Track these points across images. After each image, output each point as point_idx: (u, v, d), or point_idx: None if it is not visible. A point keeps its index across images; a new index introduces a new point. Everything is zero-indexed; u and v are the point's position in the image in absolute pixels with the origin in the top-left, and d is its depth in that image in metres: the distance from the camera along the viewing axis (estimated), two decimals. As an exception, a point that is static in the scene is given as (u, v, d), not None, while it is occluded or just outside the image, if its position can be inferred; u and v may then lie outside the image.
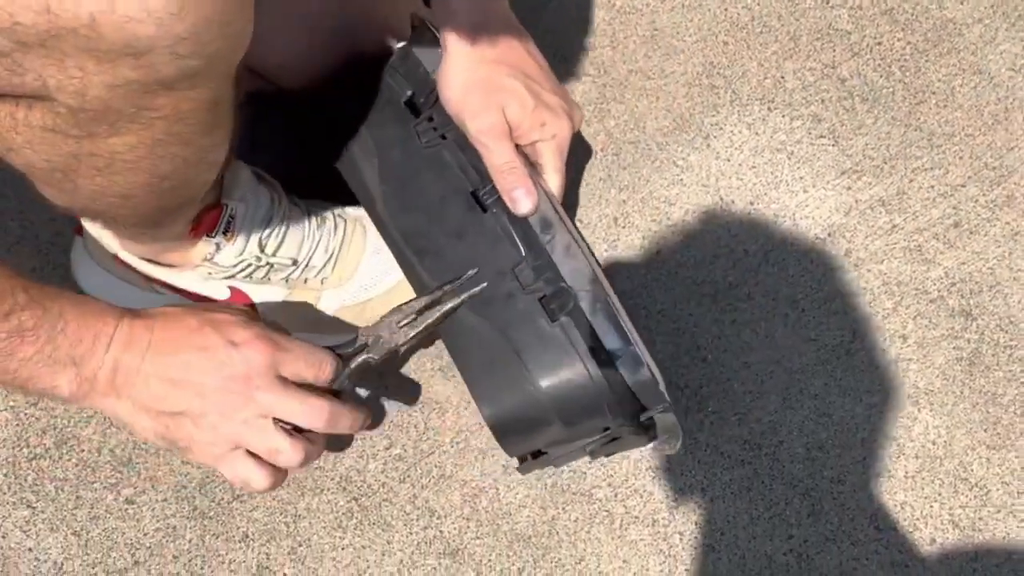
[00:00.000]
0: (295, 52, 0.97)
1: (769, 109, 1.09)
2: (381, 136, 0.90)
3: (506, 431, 0.81)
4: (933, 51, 1.12)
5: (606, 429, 0.84)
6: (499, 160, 0.82)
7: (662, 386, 0.81)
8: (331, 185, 0.99)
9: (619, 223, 1.05)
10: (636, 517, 0.97)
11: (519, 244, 0.82)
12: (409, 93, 0.90)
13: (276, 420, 0.74)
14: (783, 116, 1.09)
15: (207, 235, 0.88)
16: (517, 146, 0.84)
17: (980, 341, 1.02)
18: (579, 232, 0.84)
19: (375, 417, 1.00)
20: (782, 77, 1.10)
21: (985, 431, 1.00)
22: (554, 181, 0.87)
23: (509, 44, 0.85)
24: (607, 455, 0.90)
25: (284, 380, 0.74)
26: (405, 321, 0.81)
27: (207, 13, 0.53)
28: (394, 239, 0.87)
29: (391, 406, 1.01)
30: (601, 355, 0.79)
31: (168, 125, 0.60)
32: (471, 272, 0.82)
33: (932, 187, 1.06)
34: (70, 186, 0.63)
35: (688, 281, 1.04)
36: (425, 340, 0.85)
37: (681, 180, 1.07)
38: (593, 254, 0.82)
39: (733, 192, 1.06)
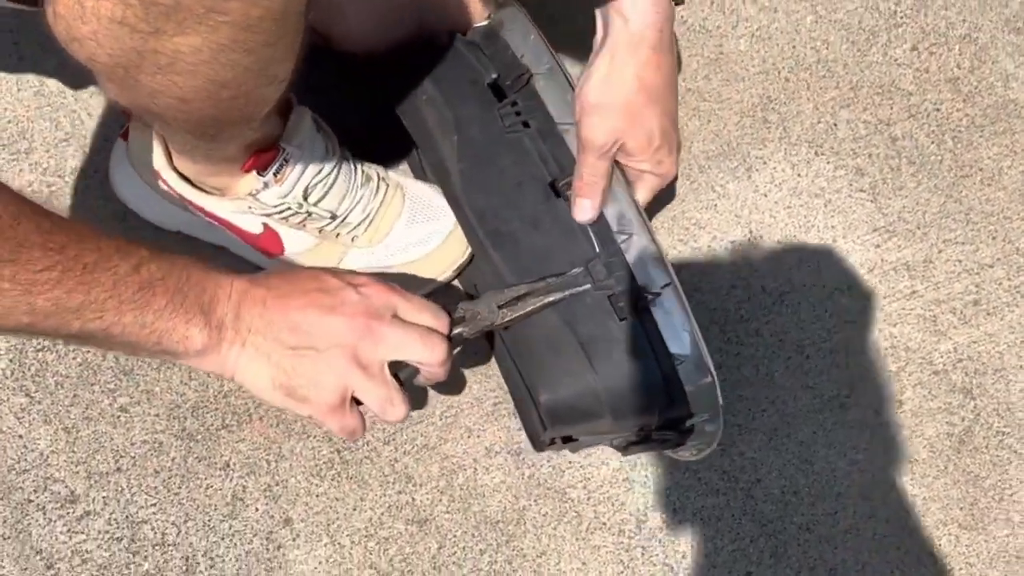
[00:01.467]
0: (362, 22, 0.98)
1: (816, 153, 1.10)
2: (462, 114, 0.90)
3: (558, 417, 0.83)
4: (990, 128, 1.12)
5: (642, 428, 0.86)
6: (587, 171, 0.84)
7: (719, 395, 0.82)
8: (378, 146, 1.00)
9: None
10: (604, 523, 0.99)
11: (593, 239, 0.83)
12: (494, 75, 0.91)
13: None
14: (828, 163, 1.09)
15: (259, 172, 0.90)
16: (617, 162, 0.86)
17: (974, 421, 1.02)
18: (656, 238, 0.85)
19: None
20: (835, 124, 1.10)
21: (961, 510, 1.01)
22: (641, 200, 0.88)
23: (663, 74, 0.85)
24: (629, 453, 0.93)
25: (403, 320, 0.75)
26: (504, 302, 0.83)
27: None
28: (467, 217, 0.89)
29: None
30: (664, 358, 0.80)
31: (234, 31, 0.61)
32: (577, 271, 0.83)
33: (960, 261, 1.07)
34: (131, 82, 0.64)
35: (701, 306, 1.05)
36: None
37: (715, 206, 1.08)
38: (668, 262, 0.82)
39: (763, 228, 1.07)
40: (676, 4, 0.86)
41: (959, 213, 1.08)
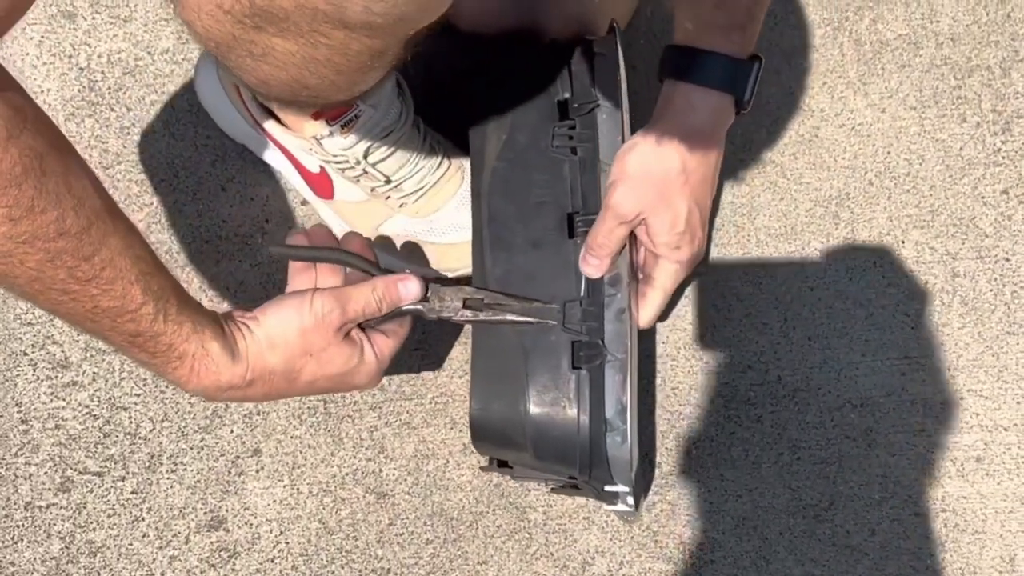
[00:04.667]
0: (477, 5, 0.98)
1: (875, 264, 1.08)
2: (519, 119, 0.91)
3: (482, 434, 0.86)
4: (1053, 293, 1.10)
5: (572, 477, 0.88)
6: (603, 234, 0.85)
7: (633, 471, 0.84)
8: (455, 121, 1.00)
9: (682, 291, 1.06)
10: (551, 553, 1.00)
11: (582, 284, 0.85)
12: (567, 96, 0.91)
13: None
14: (883, 277, 1.08)
15: (328, 121, 0.91)
16: (634, 237, 0.87)
17: (938, 574, 1.02)
18: (633, 307, 0.87)
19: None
20: (903, 241, 1.09)
21: (895, 652, 1.01)
22: (656, 299, 0.91)
23: (707, 166, 0.87)
24: (564, 495, 0.96)
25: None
26: (472, 302, 0.84)
27: None
28: (480, 215, 0.89)
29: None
30: (597, 419, 0.83)
31: (331, 53, 0.62)
32: (553, 306, 0.84)
33: (977, 415, 1.06)
34: (220, 53, 0.65)
35: (713, 376, 1.05)
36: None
37: (760, 284, 1.07)
38: (635, 335, 0.85)
39: (799, 320, 1.06)
40: (738, 112, 0.88)
41: (993, 368, 1.07)
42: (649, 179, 0.84)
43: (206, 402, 0.78)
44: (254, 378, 0.75)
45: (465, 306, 0.84)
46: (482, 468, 0.94)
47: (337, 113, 0.90)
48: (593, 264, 0.85)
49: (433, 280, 0.84)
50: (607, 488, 0.86)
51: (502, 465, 0.92)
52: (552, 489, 0.95)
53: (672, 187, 0.85)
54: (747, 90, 0.86)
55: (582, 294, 0.85)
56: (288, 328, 0.76)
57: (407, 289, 0.81)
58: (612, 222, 0.84)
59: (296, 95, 0.69)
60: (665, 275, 0.90)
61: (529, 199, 0.88)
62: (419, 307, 0.83)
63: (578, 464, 0.84)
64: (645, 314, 0.93)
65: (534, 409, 0.83)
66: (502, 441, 0.86)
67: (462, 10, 0.99)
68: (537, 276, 0.86)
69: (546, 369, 0.83)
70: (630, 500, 0.88)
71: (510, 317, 0.84)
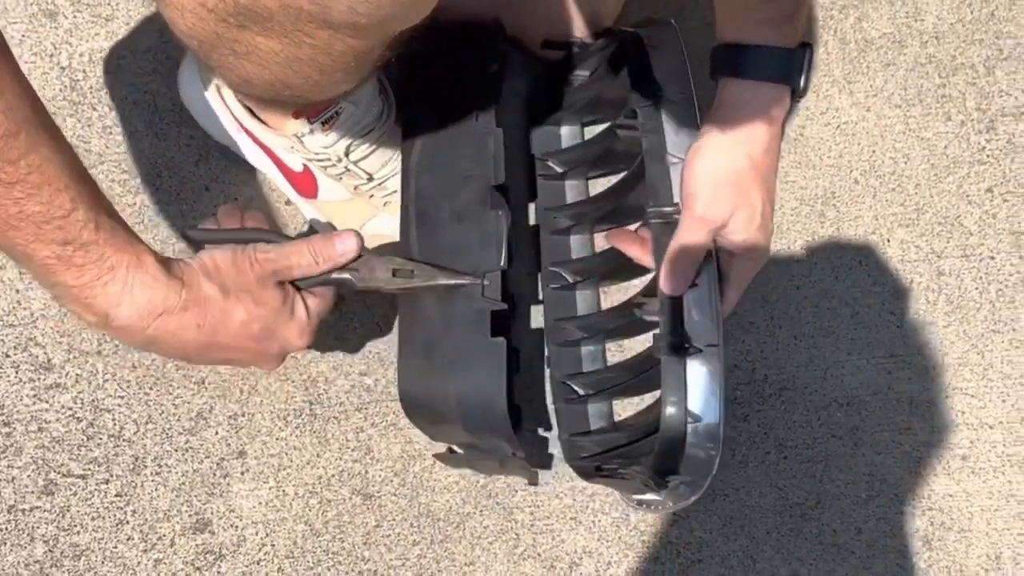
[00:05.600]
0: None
1: (860, 263, 1.09)
2: (449, 97, 0.91)
3: (412, 410, 0.88)
4: (1037, 291, 1.10)
5: (514, 453, 0.88)
6: (689, 242, 0.83)
7: (713, 472, 0.82)
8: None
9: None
10: (538, 554, 1.00)
11: (503, 254, 0.84)
12: (494, 68, 0.91)
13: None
14: (869, 276, 1.08)
15: (308, 119, 0.90)
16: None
17: (924, 572, 1.02)
18: (718, 298, 0.85)
19: (367, 339, 1.03)
20: (888, 240, 1.09)
21: (882, 650, 1.01)
22: (732, 297, 0.88)
23: (771, 158, 0.86)
24: (591, 480, 0.94)
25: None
26: (401, 272, 0.83)
27: None
28: (408, 192, 0.90)
29: (386, 340, 1.03)
30: (680, 408, 0.81)
31: (315, 53, 0.61)
32: (487, 281, 0.84)
33: (963, 413, 1.06)
34: (203, 52, 0.65)
35: (700, 376, 1.05)
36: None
37: (772, 293, 1.07)
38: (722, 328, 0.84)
39: (785, 319, 1.06)
40: (795, 100, 0.86)
41: (978, 366, 1.07)
42: (725, 181, 0.83)
43: (133, 344, 0.72)
44: (189, 301, 0.72)
45: (394, 276, 0.83)
46: (435, 456, 0.96)
47: (318, 111, 0.90)
48: (675, 281, 0.83)
49: (363, 250, 0.82)
50: (670, 479, 0.83)
51: (454, 454, 0.94)
52: (579, 468, 0.94)
53: (746, 185, 0.83)
54: (802, 79, 0.84)
55: (502, 264, 0.84)
56: (224, 261, 0.75)
57: (344, 244, 0.79)
58: (701, 230, 0.83)
59: (278, 94, 0.69)
60: (741, 272, 0.87)
61: (455, 174, 0.88)
62: (348, 276, 0.81)
63: (655, 454, 0.82)
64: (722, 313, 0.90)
65: (455, 382, 0.83)
66: (433, 416, 0.86)
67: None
68: (461, 251, 0.85)
69: (466, 341, 0.83)
70: (694, 495, 0.84)
71: (442, 281, 0.84)
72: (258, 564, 0.98)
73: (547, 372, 1.01)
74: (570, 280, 1.02)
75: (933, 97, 1.13)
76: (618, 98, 0.95)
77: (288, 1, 0.56)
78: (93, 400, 0.99)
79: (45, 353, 1.00)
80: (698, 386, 0.81)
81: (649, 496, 0.87)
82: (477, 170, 0.87)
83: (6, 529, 0.97)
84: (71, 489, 0.98)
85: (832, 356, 1.06)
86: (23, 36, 1.04)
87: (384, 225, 1.00)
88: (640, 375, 0.91)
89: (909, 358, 1.07)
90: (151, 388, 1.00)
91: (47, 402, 0.99)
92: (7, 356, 0.99)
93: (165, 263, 0.72)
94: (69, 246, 0.66)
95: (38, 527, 0.97)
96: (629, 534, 1.01)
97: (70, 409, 0.99)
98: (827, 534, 1.02)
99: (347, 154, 0.93)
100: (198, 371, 1.00)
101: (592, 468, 0.93)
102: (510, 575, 1.00)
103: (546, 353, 1.01)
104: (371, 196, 0.98)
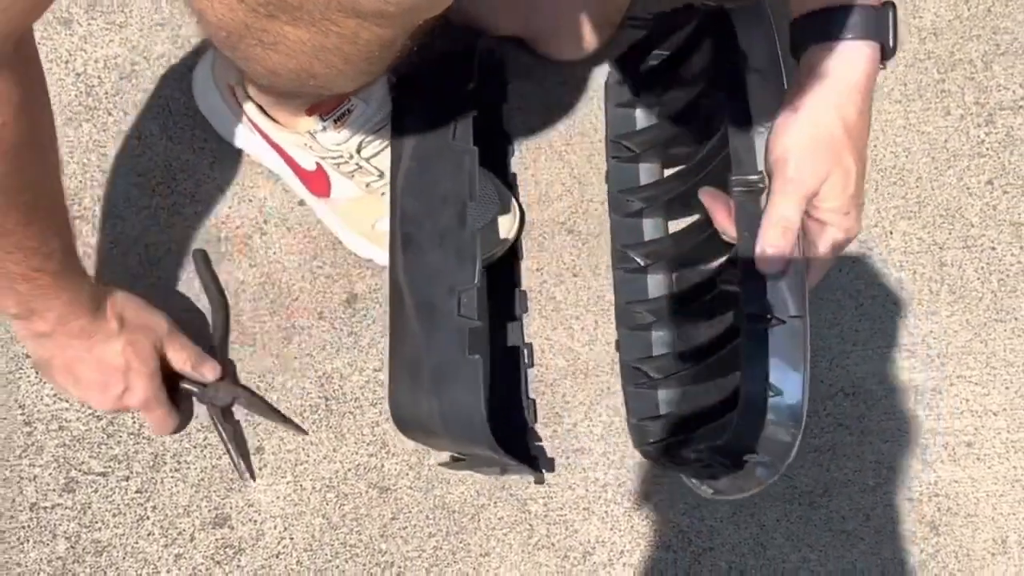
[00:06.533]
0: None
1: (864, 255, 1.10)
2: (432, 117, 0.93)
3: (404, 427, 0.92)
4: (1038, 280, 1.12)
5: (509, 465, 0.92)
6: (784, 212, 0.79)
7: (794, 451, 0.80)
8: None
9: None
10: (552, 544, 1.02)
11: (476, 271, 0.86)
12: (472, 85, 0.91)
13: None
14: (872, 268, 1.10)
15: (321, 116, 0.92)
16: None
17: (932, 557, 1.04)
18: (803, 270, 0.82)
19: (381, 335, 1.04)
20: (891, 232, 1.11)
21: (892, 635, 1.03)
22: (818, 270, 0.85)
23: (865, 120, 0.82)
24: (665, 467, 0.96)
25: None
26: (238, 398, 1.00)
27: None
28: (395, 215, 0.92)
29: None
30: (760, 381, 0.79)
31: (341, 42, 0.63)
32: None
33: (967, 400, 1.08)
34: (230, 45, 0.67)
35: (709, 367, 1.06)
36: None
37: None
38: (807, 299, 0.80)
39: (791, 311, 1.08)
40: (884, 61, 0.83)
41: (981, 354, 1.09)
42: (818, 145, 0.79)
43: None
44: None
45: (233, 402, 1.00)
46: (440, 464, 0.99)
47: (330, 108, 0.92)
48: (776, 257, 0.79)
49: (221, 379, 0.99)
50: (747, 459, 0.80)
51: (458, 460, 0.96)
52: (647, 453, 0.96)
53: (839, 149, 0.79)
54: (891, 35, 0.81)
55: (475, 281, 0.85)
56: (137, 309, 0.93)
57: (204, 368, 0.98)
58: (793, 196, 0.79)
59: (303, 84, 0.70)
60: (830, 244, 0.83)
61: (435, 195, 0.89)
62: (195, 390, 0.99)
63: (731, 431, 0.79)
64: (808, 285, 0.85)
65: (438, 399, 0.86)
66: (425, 432, 0.89)
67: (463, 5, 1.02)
68: (439, 272, 0.87)
69: (446, 358, 0.85)
70: (773, 475, 0.80)
71: (270, 418, 1.01)
72: (277, 557, 1.00)
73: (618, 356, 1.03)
74: (641, 263, 1.03)
75: (932, 92, 1.15)
76: (700, 72, 0.94)
77: None
78: (113, 398, 1.01)
79: (65, 353, 1.01)
80: (780, 359, 0.77)
81: (723, 483, 0.85)
82: (453, 190, 0.88)
83: (28, 526, 0.98)
84: (92, 486, 0.99)
85: (838, 347, 1.08)
86: (39, 43, 1.05)
87: None
88: (716, 356, 0.89)
89: (913, 347, 1.08)
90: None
91: (66, 402, 1.01)
92: (27, 356, 1.01)
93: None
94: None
95: (60, 524, 0.98)
96: (641, 523, 1.03)
97: (90, 408, 1.01)
98: (836, 521, 1.04)
99: (359, 151, 0.95)
100: (225, 365, 1.02)
101: (660, 453, 0.92)
102: (524, 565, 1.01)
103: (615, 337, 1.03)
104: (383, 193, 1.00)
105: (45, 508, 0.99)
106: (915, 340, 1.09)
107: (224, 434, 0.99)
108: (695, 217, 1.01)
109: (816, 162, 0.79)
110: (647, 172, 1.07)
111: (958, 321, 1.09)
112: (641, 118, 1.08)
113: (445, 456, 0.99)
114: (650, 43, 1.03)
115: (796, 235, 0.79)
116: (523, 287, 1.06)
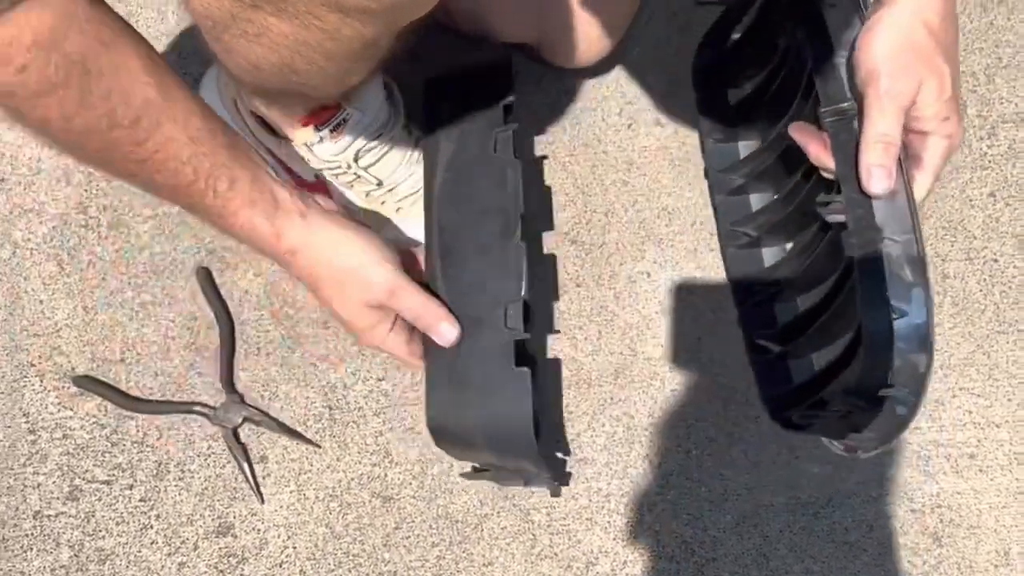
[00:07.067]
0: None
1: (866, 266, 1.11)
2: (468, 128, 0.92)
3: (441, 438, 0.88)
4: (1040, 292, 1.12)
5: (553, 477, 0.90)
6: (883, 128, 0.76)
7: (929, 374, 0.75)
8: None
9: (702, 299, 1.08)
10: (555, 554, 1.02)
11: (523, 284, 0.85)
12: (512, 98, 0.92)
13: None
14: (875, 279, 1.10)
15: (316, 127, 0.92)
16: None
17: (934, 568, 1.04)
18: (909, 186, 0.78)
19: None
20: (894, 244, 1.11)
21: (895, 647, 1.03)
22: (925, 183, 0.80)
23: (953, 30, 0.79)
24: (794, 429, 0.91)
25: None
26: (248, 419, 1.02)
27: None
28: (432, 227, 0.92)
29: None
30: (881, 305, 0.75)
31: (324, 36, 0.64)
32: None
33: (971, 411, 1.08)
34: (215, 34, 0.68)
35: (710, 378, 1.07)
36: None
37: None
38: (918, 218, 0.76)
39: (794, 322, 1.08)
40: None
41: (984, 366, 1.09)
42: (906, 54, 0.76)
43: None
44: (293, 254, 0.80)
45: (243, 422, 1.01)
46: (462, 475, 0.97)
47: (326, 118, 0.92)
48: (882, 172, 0.75)
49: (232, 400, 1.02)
50: (884, 393, 0.76)
51: (480, 471, 0.95)
52: (778, 414, 0.94)
53: (929, 54, 0.76)
54: None
55: (523, 294, 0.85)
56: (339, 259, 0.82)
57: (445, 330, 0.85)
58: (890, 110, 0.76)
59: (286, 80, 0.71)
60: (934, 153, 0.79)
61: (476, 208, 0.89)
62: (207, 412, 1.01)
63: (862, 367, 0.76)
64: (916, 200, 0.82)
65: (483, 412, 0.84)
66: (462, 443, 0.88)
67: (463, 11, 1.03)
68: (485, 282, 0.87)
69: (491, 371, 0.84)
70: (914, 408, 0.76)
71: (284, 435, 1.02)
72: (280, 567, 1.00)
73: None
74: (754, 234, 1.02)
75: (935, 104, 1.15)
76: (780, 22, 0.93)
77: None
78: (116, 407, 1.01)
79: (69, 362, 1.02)
80: (899, 278, 0.74)
81: (866, 435, 0.79)
82: (496, 203, 0.88)
83: (32, 535, 0.98)
84: (96, 495, 0.99)
85: (840, 358, 1.08)
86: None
87: (397, 233, 1.02)
88: (839, 299, 0.85)
89: (916, 359, 1.09)
90: (174, 395, 1.02)
91: (71, 410, 1.01)
92: (32, 365, 1.01)
93: (276, 228, 0.78)
94: (197, 207, 0.75)
95: (64, 532, 0.99)
96: (644, 535, 1.03)
97: (94, 416, 1.01)
98: (839, 532, 1.04)
99: (356, 160, 0.95)
100: (217, 378, 1.02)
101: (792, 418, 0.91)
102: (527, 575, 1.01)
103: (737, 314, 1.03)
104: (383, 203, 1.00)
105: (49, 516, 0.99)
106: (918, 351, 1.09)
107: (236, 455, 1.00)
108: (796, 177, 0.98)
109: (908, 71, 0.76)
110: (746, 149, 1.07)
111: (960, 333, 1.10)
112: (732, 97, 1.08)
113: (463, 466, 0.99)
114: (729, 18, 1.03)
115: (899, 151, 0.76)
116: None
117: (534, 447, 0.84)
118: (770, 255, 1.05)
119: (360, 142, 0.95)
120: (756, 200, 1.06)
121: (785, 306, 1.01)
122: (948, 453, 1.07)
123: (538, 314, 1.06)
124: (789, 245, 1.03)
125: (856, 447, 0.80)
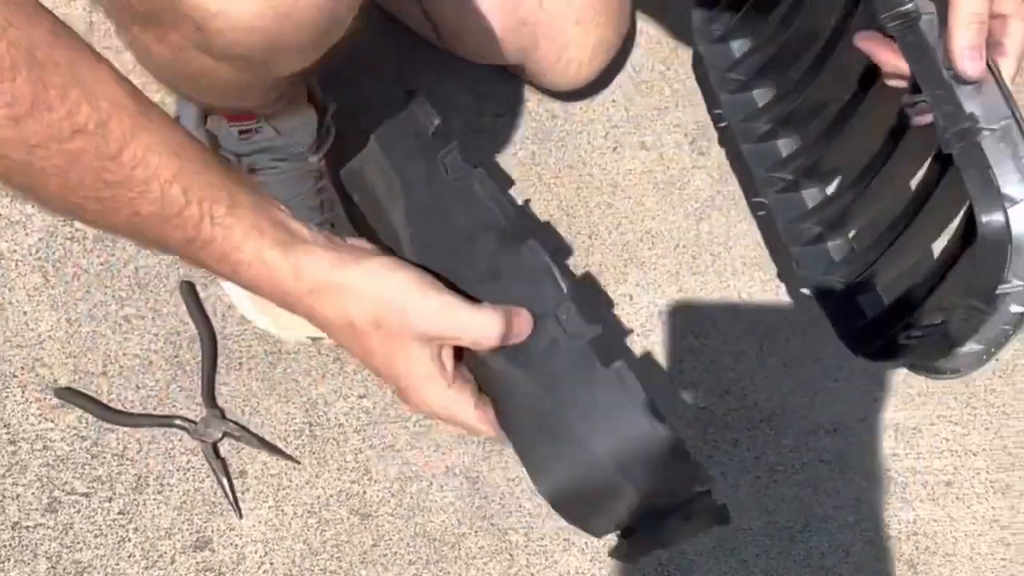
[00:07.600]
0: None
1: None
2: (407, 174, 0.77)
3: (570, 506, 0.69)
4: (1019, 322, 1.13)
5: (703, 493, 0.70)
6: (974, 7, 0.69)
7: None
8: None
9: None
10: (532, 574, 1.02)
11: (559, 279, 0.70)
12: (437, 122, 0.77)
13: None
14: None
15: (228, 120, 0.93)
16: None
17: (910, 595, 1.05)
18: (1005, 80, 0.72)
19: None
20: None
21: (869, 673, 1.03)
22: (1009, 69, 0.74)
23: None
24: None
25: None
26: (228, 433, 1.02)
27: (271, 41, 0.63)
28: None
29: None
30: (991, 198, 0.69)
31: (201, 72, 0.68)
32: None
33: (948, 440, 1.09)
34: (117, 31, 0.74)
35: (693, 401, 1.07)
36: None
37: (735, 311, 1.10)
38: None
39: (775, 346, 1.09)
40: None
41: (963, 395, 1.10)
42: None
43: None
44: (318, 295, 0.63)
45: (223, 436, 1.02)
46: (611, 554, 0.77)
47: (237, 118, 0.92)
48: (975, 53, 0.69)
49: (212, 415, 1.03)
50: (1000, 290, 0.69)
51: (629, 534, 0.74)
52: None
53: None
54: None
55: (565, 291, 0.69)
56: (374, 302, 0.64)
57: (522, 318, 0.68)
58: None
59: (174, 88, 0.76)
60: (1017, 38, 0.73)
61: (459, 241, 0.74)
62: (187, 426, 1.02)
63: (976, 266, 0.70)
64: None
65: (595, 439, 0.65)
66: (596, 497, 0.68)
67: (449, 33, 1.04)
68: (515, 301, 0.70)
69: (581, 390, 0.66)
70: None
71: (265, 451, 1.02)
72: (257, 582, 1.00)
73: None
74: (791, 178, 0.99)
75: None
76: None
77: (175, 16, 0.61)
78: (97, 419, 1.01)
79: (52, 374, 1.02)
80: (1004, 166, 0.69)
81: (970, 347, 0.73)
82: (479, 223, 0.74)
83: (10, 546, 0.98)
84: (75, 507, 1.00)
85: (820, 383, 1.09)
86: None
87: None
88: (931, 202, 0.79)
89: (895, 386, 1.09)
90: (155, 408, 1.02)
91: (52, 422, 1.01)
92: (14, 376, 1.02)
93: (291, 262, 0.61)
94: (193, 244, 0.59)
95: (41, 544, 0.99)
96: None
97: (75, 428, 1.01)
98: (815, 557, 1.04)
99: (251, 171, 0.95)
100: (198, 393, 1.02)
101: (882, 347, 0.87)
102: (504, 595, 1.02)
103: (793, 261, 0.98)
104: None
105: (27, 528, 0.99)
106: (896, 379, 1.10)
107: (216, 469, 1.01)
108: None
109: None
110: (762, 97, 1.05)
111: (940, 360, 1.10)
112: (736, 48, 1.07)
113: (607, 537, 0.75)
114: None
115: (985, 22, 0.70)
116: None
117: (679, 444, 0.65)
118: (811, 200, 1.00)
119: (264, 156, 0.95)
120: (784, 147, 1.02)
121: (839, 245, 0.97)
122: (925, 480, 1.07)
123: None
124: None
125: (959, 368, 0.75)
